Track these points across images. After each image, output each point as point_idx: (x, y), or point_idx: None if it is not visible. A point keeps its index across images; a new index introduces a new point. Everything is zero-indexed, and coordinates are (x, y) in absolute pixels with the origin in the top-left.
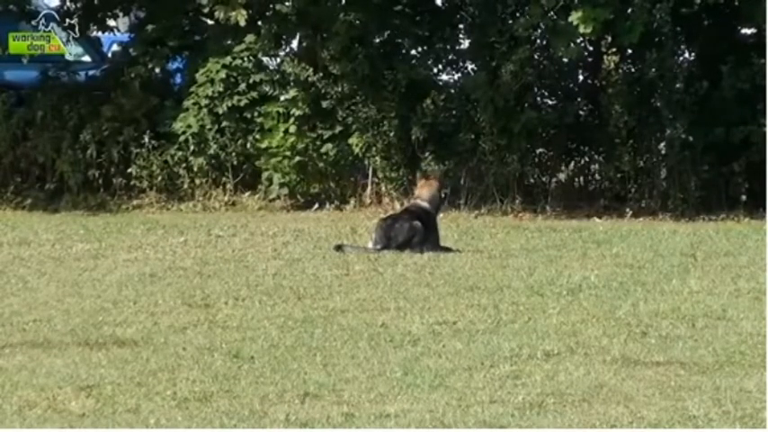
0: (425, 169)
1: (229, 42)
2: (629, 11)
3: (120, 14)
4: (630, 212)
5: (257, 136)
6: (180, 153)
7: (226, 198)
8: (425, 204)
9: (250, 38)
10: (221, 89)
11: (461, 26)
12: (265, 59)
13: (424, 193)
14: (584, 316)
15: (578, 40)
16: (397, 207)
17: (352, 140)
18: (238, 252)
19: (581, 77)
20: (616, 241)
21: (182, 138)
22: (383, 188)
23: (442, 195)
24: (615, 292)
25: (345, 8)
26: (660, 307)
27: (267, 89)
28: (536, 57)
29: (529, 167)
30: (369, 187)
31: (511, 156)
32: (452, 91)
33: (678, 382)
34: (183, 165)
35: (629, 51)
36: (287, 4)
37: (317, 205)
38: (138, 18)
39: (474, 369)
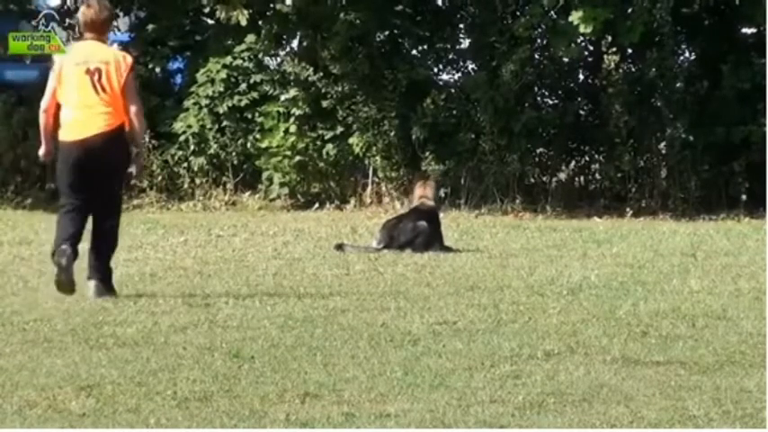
0: (425, 169)
1: (230, 42)
2: (630, 10)
3: (121, 14)
4: (631, 212)
5: (257, 136)
6: (180, 153)
7: (226, 198)
8: (433, 204)
9: (250, 38)
10: (222, 89)
11: (462, 26)
12: (266, 59)
13: (428, 192)
14: (585, 316)
15: (578, 40)
16: (398, 207)
17: (353, 140)
18: (238, 252)
19: (581, 77)
20: (616, 241)
21: (182, 137)
22: (383, 188)
23: (441, 195)
24: (615, 292)
25: (346, 8)
26: (660, 307)
27: (267, 89)
28: (536, 56)
29: (529, 167)
30: (369, 187)
31: (511, 155)
32: (453, 91)
33: (678, 382)
34: (184, 164)
35: (630, 51)
36: (287, 3)
37: (317, 205)
38: (138, 18)
39: (474, 369)
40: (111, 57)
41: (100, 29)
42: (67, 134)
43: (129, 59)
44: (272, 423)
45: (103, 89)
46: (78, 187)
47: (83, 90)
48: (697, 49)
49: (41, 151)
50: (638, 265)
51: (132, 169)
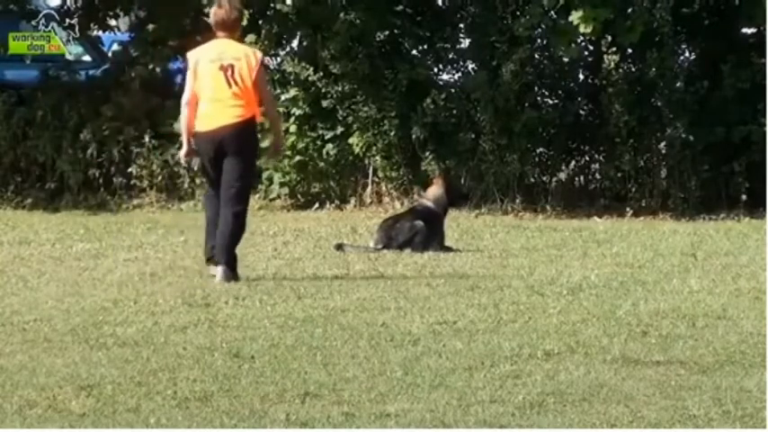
0: (439, 169)
1: None
2: (630, 10)
3: (121, 14)
4: (631, 212)
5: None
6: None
7: None
8: (430, 204)
9: (250, 38)
10: None
11: (462, 26)
12: (266, 59)
13: (429, 192)
14: (585, 315)
15: (579, 40)
16: (398, 207)
17: (353, 140)
18: (238, 251)
19: (581, 77)
20: (616, 241)
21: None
22: (383, 188)
23: (465, 192)
24: (615, 292)
25: (346, 8)
26: (660, 306)
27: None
28: (536, 56)
29: (529, 167)
30: (369, 187)
31: (511, 155)
32: (453, 90)
33: (678, 382)
34: (184, 164)
35: (630, 51)
36: (287, 3)
37: (317, 205)
38: (138, 18)
39: (474, 368)
40: (242, 53)
41: (231, 27)
42: (202, 125)
43: (259, 55)
44: (272, 423)
45: (236, 83)
46: (216, 175)
47: (216, 84)
48: (697, 49)
49: (182, 152)
50: (639, 264)
51: (270, 153)
